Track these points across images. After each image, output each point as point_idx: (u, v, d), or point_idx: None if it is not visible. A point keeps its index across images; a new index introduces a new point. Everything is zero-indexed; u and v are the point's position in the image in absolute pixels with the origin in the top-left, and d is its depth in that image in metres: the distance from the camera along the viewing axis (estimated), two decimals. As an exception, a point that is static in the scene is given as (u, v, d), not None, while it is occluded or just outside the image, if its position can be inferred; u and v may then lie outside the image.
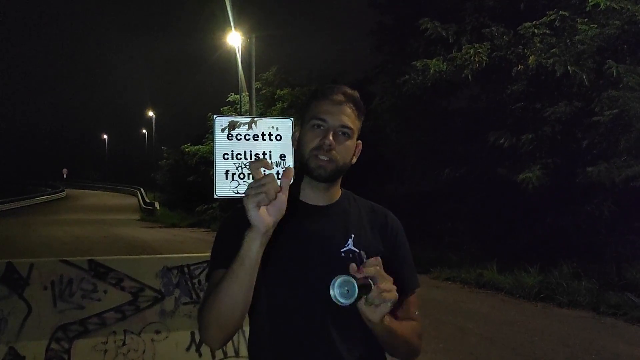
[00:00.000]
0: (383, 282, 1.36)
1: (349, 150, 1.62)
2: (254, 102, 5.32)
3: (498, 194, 13.07)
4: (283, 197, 1.35)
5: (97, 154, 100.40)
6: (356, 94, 1.65)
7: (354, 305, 1.34)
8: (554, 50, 10.97)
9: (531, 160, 11.50)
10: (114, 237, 22.45)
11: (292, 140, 1.74)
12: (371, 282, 1.36)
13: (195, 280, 5.44)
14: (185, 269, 5.42)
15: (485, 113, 13.83)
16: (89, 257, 5.26)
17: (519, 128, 11.91)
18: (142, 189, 58.58)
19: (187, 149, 35.71)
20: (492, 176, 12.86)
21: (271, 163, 1.34)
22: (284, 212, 1.36)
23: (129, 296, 5.20)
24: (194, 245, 20.25)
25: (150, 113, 57.00)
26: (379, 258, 1.39)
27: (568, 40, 11.02)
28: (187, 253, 14.35)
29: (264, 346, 1.58)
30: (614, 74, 10.16)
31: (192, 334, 5.34)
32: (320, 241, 1.60)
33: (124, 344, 5.13)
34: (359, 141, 1.68)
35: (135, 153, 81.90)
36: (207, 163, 32.19)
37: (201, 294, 5.44)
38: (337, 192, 1.71)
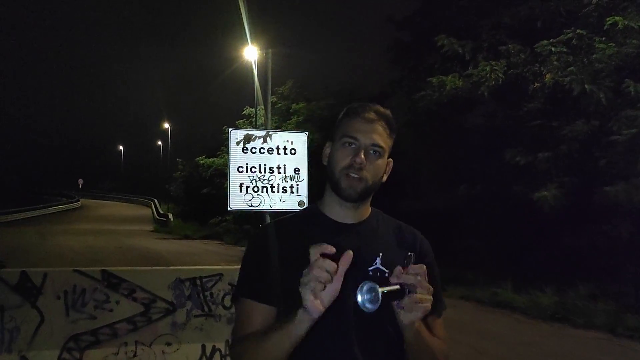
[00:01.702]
0: (420, 293, 1.37)
1: (380, 169, 1.61)
2: (269, 115, 5.36)
3: (514, 212, 12.95)
4: (337, 284, 1.33)
5: (112, 165, 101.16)
6: (388, 112, 1.65)
7: (379, 310, 1.34)
8: (571, 68, 10.91)
9: (547, 179, 11.40)
10: (128, 248, 22.53)
11: (322, 156, 1.68)
12: (406, 288, 1.36)
13: (208, 293, 5.42)
14: (198, 281, 5.40)
15: (502, 130, 13.75)
16: (102, 268, 5.26)
17: (536, 146, 11.82)
18: (156, 200, 58.80)
19: (201, 161, 35.79)
20: (508, 194, 12.75)
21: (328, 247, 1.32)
22: (337, 294, 1.34)
23: (140, 307, 5.19)
24: (207, 257, 20.26)
25: (166, 125, 57.29)
26: (424, 266, 1.39)
27: (585, 59, 10.96)
28: (200, 265, 14.35)
29: None
30: (632, 92, 10.08)
31: (203, 346, 5.31)
32: None
33: (134, 355, 5.10)
34: (390, 159, 1.67)
35: (150, 164, 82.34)
36: (222, 175, 32.21)
37: (213, 307, 5.41)
38: (366, 211, 1.68)
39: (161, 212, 50.47)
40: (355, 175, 1.56)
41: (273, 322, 1.53)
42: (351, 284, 1.48)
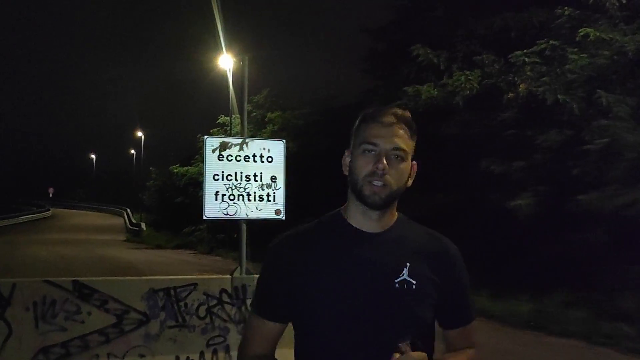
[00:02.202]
0: None
1: (404, 174, 1.54)
2: (245, 123, 5.29)
3: (490, 221, 13.02)
4: None
5: (84, 174, 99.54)
6: (407, 113, 1.58)
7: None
8: (544, 78, 11.06)
9: (522, 188, 11.49)
10: (99, 258, 22.14)
11: (342, 165, 1.62)
12: None
13: (182, 303, 5.30)
14: (172, 292, 5.29)
15: (477, 139, 13.85)
16: (73, 278, 5.12)
17: (511, 155, 11.93)
18: (128, 210, 58.09)
19: (175, 170, 35.56)
20: (483, 202, 12.83)
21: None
22: None
23: (113, 318, 5.06)
24: (180, 267, 19.99)
25: (140, 133, 56.72)
26: (423, 354, 1.36)
27: (558, 70, 11.12)
28: (173, 275, 14.14)
29: None
30: (604, 103, 10.24)
31: (177, 358, 5.19)
32: (373, 271, 1.50)
33: (107, 368, 4.99)
34: (414, 162, 1.61)
35: (123, 173, 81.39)
36: (196, 184, 32.01)
37: (187, 318, 5.30)
38: (392, 217, 1.60)
39: (134, 221, 49.92)
40: (378, 183, 1.49)
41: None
42: (377, 297, 1.48)
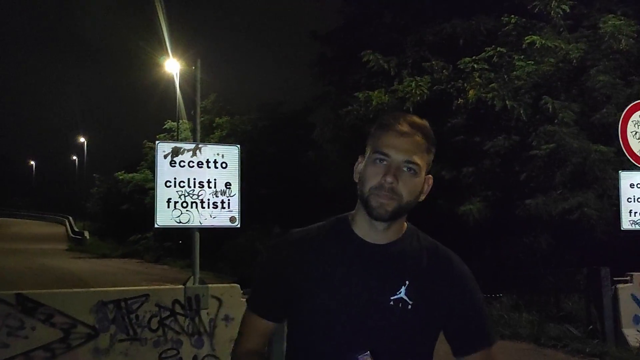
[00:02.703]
0: None
1: (415, 188, 1.44)
2: (198, 128, 5.12)
3: (438, 226, 13.15)
4: None
5: (23, 181, 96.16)
6: (425, 123, 1.49)
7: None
8: (492, 85, 11.26)
9: (472, 193, 11.66)
10: (40, 268, 21.30)
11: (354, 172, 1.52)
12: None
13: (133, 316, 5.09)
14: (122, 304, 5.07)
15: (426, 145, 13.99)
16: (17, 291, 4.85)
17: (460, 161, 12.09)
18: (70, 218, 56.48)
19: (120, 177, 34.78)
20: (432, 208, 12.95)
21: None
22: None
23: (59, 333, 4.81)
24: (127, 277, 19.41)
25: (82, 139, 55.28)
26: None
27: (506, 76, 11.35)
28: (120, 285, 13.70)
29: None
30: (550, 109, 10.50)
31: (128, 373, 4.98)
32: (371, 284, 1.43)
33: (52, 386, 4.73)
34: (429, 175, 1.50)
35: (65, 180, 79.08)
36: (142, 191, 31.39)
37: (139, 330, 5.09)
38: (399, 229, 1.51)
39: (76, 229, 48.59)
40: (387, 195, 1.39)
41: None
42: (368, 311, 1.42)
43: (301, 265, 1.48)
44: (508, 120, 11.42)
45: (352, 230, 1.49)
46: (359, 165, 1.49)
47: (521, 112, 10.90)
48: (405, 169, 1.40)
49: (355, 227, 1.49)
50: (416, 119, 1.48)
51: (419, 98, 12.24)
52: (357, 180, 1.49)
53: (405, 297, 1.42)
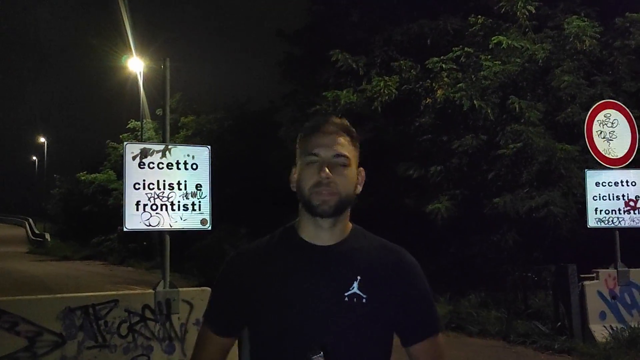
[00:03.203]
0: None
1: (350, 180, 1.52)
2: (167, 128, 4.96)
3: (405, 225, 13.21)
4: None
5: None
6: (345, 121, 1.58)
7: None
8: (460, 84, 11.33)
9: (439, 191, 11.72)
10: (0, 272, 20.72)
11: (290, 182, 1.59)
12: None
13: (102, 322, 4.95)
14: (91, 310, 4.93)
15: (393, 145, 14.03)
16: (-23, 299, 4.66)
17: (427, 160, 12.14)
18: (30, 219, 55.20)
19: (82, 178, 34.07)
20: (399, 207, 13.00)
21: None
22: None
23: (24, 341, 4.65)
24: (91, 279, 19.02)
25: (42, 139, 54.01)
26: None
27: (473, 76, 11.43)
28: (86, 289, 13.40)
29: None
30: (517, 109, 10.63)
31: (97, 381, 4.83)
32: (323, 285, 1.48)
33: (17, 396, 4.56)
34: (361, 168, 1.60)
35: (24, 181, 77.18)
36: (105, 192, 30.84)
37: (107, 337, 4.96)
38: (345, 229, 1.57)
39: (37, 231, 47.54)
40: (326, 191, 1.47)
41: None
42: (325, 311, 1.44)
43: (253, 278, 1.51)
44: (476, 120, 11.52)
45: (300, 236, 1.54)
46: (294, 176, 1.56)
47: (489, 111, 11.00)
48: (336, 163, 1.49)
49: (302, 233, 1.54)
50: (336, 119, 1.56)
51: (387, 97, 12.24)
52: (294, 190, 1.55)
53: (359, 292, 1.47)
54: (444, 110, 11.93)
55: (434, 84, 11.89)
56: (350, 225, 1.59)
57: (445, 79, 11.57)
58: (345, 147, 1.52)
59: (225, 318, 1.57)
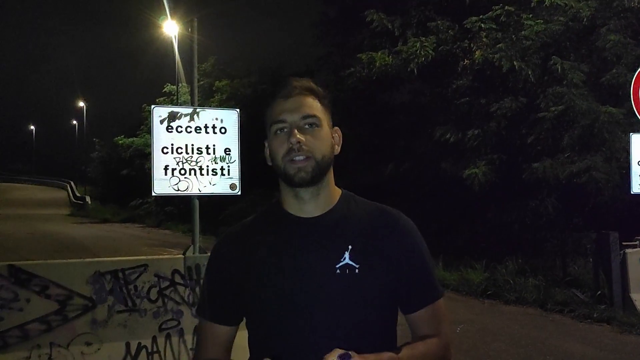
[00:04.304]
0: None
1: (325, 140, 1.42)
2: (196, 91, 4.90)
3: (442, 190, 13.01)
4: None
5: (23, 146, 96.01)
6: (308, 81, 1.47)
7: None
8: (500, 45, 10.93)
9: (476, 156, 11.44)
10: (41, 234, 21.31)
11: (266, 158, 1.50)
12: None
13: (131, 287, 4.95)
14: (120, 274, 4.92)
15: (430, 108, 13.74)
16: (9, 262, 4.70)
17: (465, 123, 11.84)
18: (72, 183, 56.55)
19: (120, 142, 34.58)
20: (436, 171, 12.77)
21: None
22: None
23: (55, 305, 4.68)
24: (128, 242, 19.41)
25: (81, 103, 54.85)
26: None
27: (514, 36, 11.02)
28: (122, 251, 13.65)
29: None
30: (559, 70, 10.22)
31: (127, 345, 4.86)
32: (313, 258, 1.40)
33: (49, 358, 4.61)
34: (337, 127, 1.51)
35: (65, 145, 79.00)
36: (142, 156, 31.25)
37: (137, 301, 4.95)
38: (332, 196, 1.48)
39: (78, 194, 48.73)
40: (300, 157, 1.38)
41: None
42: (317, 285, 1.38)
43: (242, 260, 1.45)
44: (515, 82, 11.12)
45: (285, 210, 1.47)
46: (266, 150, 1.47)
47: (529, 73, 10.60)
48: (305, 125, 1.40)
49: (286, 207, 1.47)
50: (296, 80, 1.46)
51: (423, 59, 11.91)
52: (270, 164, 1.47)
53: (350, 262, 1.39)
54: (483, 72, 11.56)
55: (472, 45, 11.51)
56: (338, 191, 1.51)
57: (484, 39, 11.17)
58: (313, 106, 1.42)
59: (221, 305, 1.51)
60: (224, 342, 1.53)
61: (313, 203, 1.44)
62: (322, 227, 1.43)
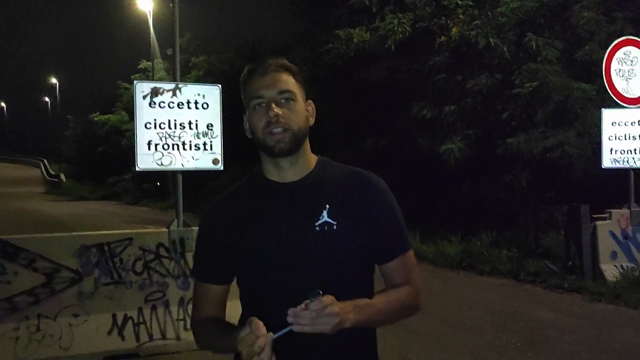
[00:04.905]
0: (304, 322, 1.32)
1: (300, 113, 1.55)
2: (178, 67, 4.91)
3: (419, 164, 13.18)
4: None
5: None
6: (282, 59, 1.60)
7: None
8: (476, 22, 11.05)
9: (452, 132, 11.61)
10: (18, 212, 21.15)
11: (245, 131, 1.63)
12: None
13: (117, 259, 5.05)
14: (106, 247, 5.02)
15: (407, 84, 13.83)
16: (-4, 237, 4.76)
17: (441, 99, 11.98)
18: (45, 160, 55.81)
19: (95, 118, 34.19)
20: (413, 147, 12.93)
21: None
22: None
23: (42, 278, 4.78)
24: (107, 219, 19.36)
25: (54, 80, 53.89)
26: (326, 302, 1.32)
27: (490, 13, 11.14)
28: (100, 228, 13.63)
29: None
30: (534, 46, 10.38)
31: (114, 316, 4.98)
32: (293, 218, 1.53)
33: (38, 329, 4.72)
34: (310, 101, 1.63)
35: (37, 123, 77.66)
36: (118, 133, 30.98)
37: (123, 274, 5.07)
38: (308, 162, 1.62)
39: (52, 172, 48.13)
40: (278, 130, 1.50)
41: (223, 322, 1.61)
42: (298, 243, 1.50)
43: (228, 224, 1.58)
44: (491, 58, 11.27)
45: (266, 178, 1.60)
46: (246, 124, 1.60)
47: (504, 49, 10.76)
48: (282, 99, 1.52)
49: (267, 175, 1.60)
50: (272, 60, 1.58)
51: (401, 36, 11.98)
52: (250, 136, 1.59)
53: (329, 220, 1.51)
54: (459, 49, 11.68)
55: (449, 22, 11.60)
56: (315, 157, 1.64)
57: (461, 16, 11.27)
58: (288, 82, 1.54)
59: (212, 266, 1.64)
60: (217, 301, 1.65)
61: (292, 170, 1.57)
62: (301, 190, 1.56)
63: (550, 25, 11.14)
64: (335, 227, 1.51)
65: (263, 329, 1.30)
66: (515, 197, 11.30)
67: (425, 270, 9.77)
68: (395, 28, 12.04)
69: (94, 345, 4.87)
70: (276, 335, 1.31)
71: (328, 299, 1.32)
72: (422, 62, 12.72)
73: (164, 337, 5.12)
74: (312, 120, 1.61)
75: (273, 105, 1.49)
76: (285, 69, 1.56)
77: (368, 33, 12.55)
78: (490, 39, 10.75)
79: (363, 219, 1.54)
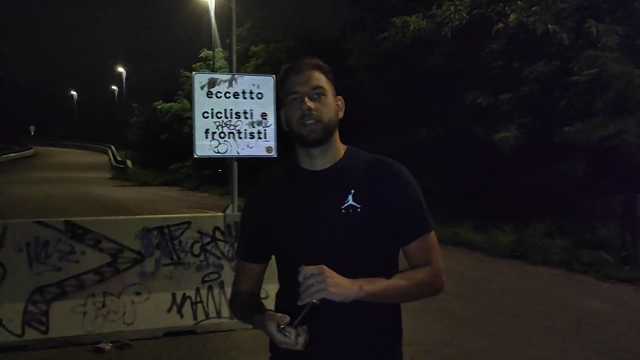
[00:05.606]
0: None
1: (330, 107, 1.71)
2: (234, 58, 5.15)
3: (473, 153, 13.10)
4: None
5: (65, 111, 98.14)
6: (316, 59, 1.77)
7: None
8: (534, 8, 10.86)
9: (508, 120, 11.49)
10: (86, 196, 22.11)
11: (282, 126, 1.80)
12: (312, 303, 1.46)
13: (176, 242, 5.35)
14: (166, 230, 5.33)
15: (462, 72, 13.73)
16: (65, 218, 5.13)
17: (497, 87, 11.85)
18: (112, 147, 57.75)
19: (159, 107, 35.13)
20: (468, 135, 12.86)
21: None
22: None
23: (107, 257, 5.11)
24: (169, 204, 20.04)
25: (121, 69, 55.59)
26: (304, 270, 1.48)
27: (549, -1, 10.91)
28: (162, 212, 14.20)
29: (281, 309, 1.64)
30: (594, 33, 10.13)
31: (173, 295, 5.28)
32: (321, 202, 1.68)
33: (103, 305, 5.05)
34: (339, 97, 1.78)
35: (105, 110, 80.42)
36: (180, 121, 31.76)
37: (182, 255, 5.36)
38: (337, 152, 1.77)
39: (119, 158, 49.78)
40: (310, 121, 1.66)
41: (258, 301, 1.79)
42: (325, 225, 1.65)
43: (267, 208, 1.76)
44: (549, 45, 11.07)
45: (299, 166, 1.76)
46: (282, 117, 1.77)
47: (563, 36, 10.54)
48: (315, 95, 1.68)
49: (301, 163, 1.76)
50: (306, 59, 1.75)
51: (457, 23, 11.92)
52: (286, 129, 1.76)
53: (354, 203, 1.66)
54: (516, 36, 11.51)
55: (506, 8, 11.45)
56: (343, 147, 1.78)
57: (519, 2, 11.11)
58: (320, 79, 1.70)
59: (251, 247, 1.83)
60: (255, 277, 1.86)
61: (322, 158, 1.73)
62: (330, 177, 1.71)
63: (612, 11, 10.82)
64: (359, 209, 1.64)
65: (285, 319, 1.47)
66: (571, 186, 11.10)
67: (477, 260, 9.77)
68: (452, 15, 11.99)
69: (155, 321, 5.19)
70: (297, 321, 1.45)
71: (309, 267, 1.48)
72: (478, 49, 12.61)
73: (219, 315, 5.40)
74: (341, 114, 1.76)
75: (306, 99, 1.66)
76: (317, 67, 1.73)
77: (424, 20, 12.52)
78: (549, 26, 10.56)
79: (385, 202, 1.67)
